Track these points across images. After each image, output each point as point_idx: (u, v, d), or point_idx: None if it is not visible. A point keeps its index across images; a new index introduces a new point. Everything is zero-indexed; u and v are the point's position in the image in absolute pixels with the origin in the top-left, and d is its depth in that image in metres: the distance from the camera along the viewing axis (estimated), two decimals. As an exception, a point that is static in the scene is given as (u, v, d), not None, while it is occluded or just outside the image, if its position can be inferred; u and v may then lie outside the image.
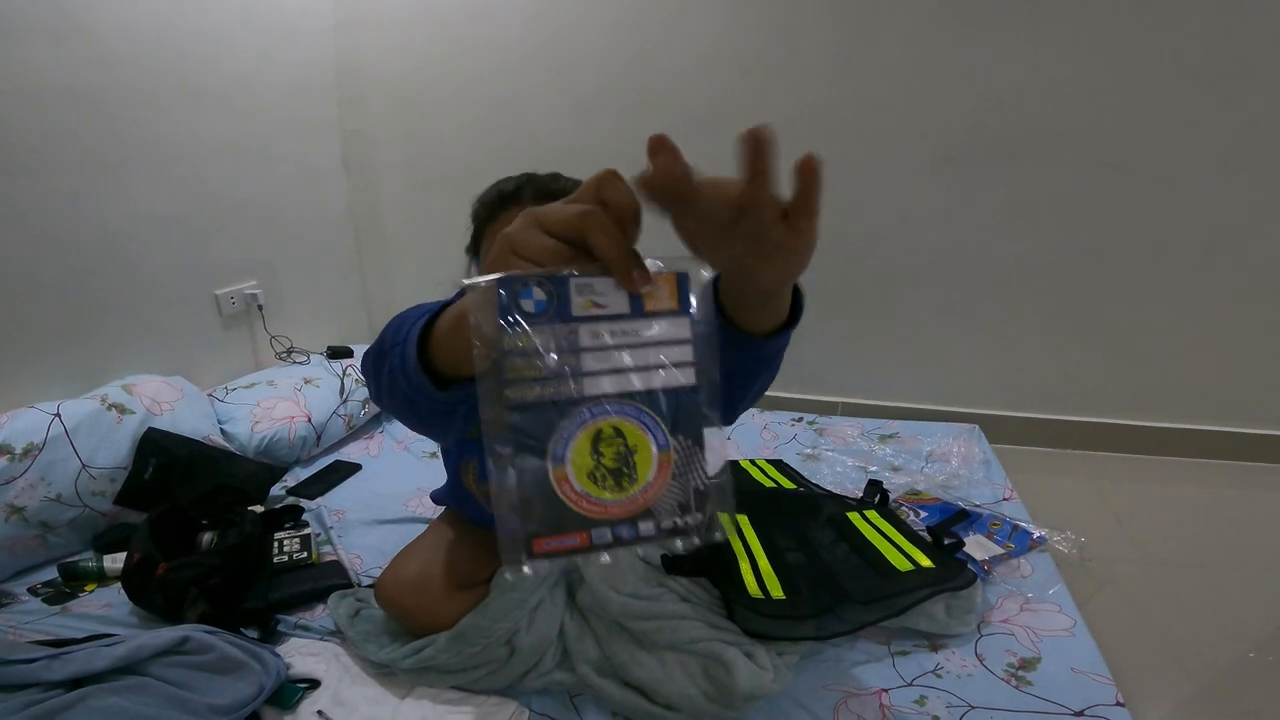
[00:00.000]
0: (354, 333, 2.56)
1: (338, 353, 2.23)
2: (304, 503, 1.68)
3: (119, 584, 1.31)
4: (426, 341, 0.65)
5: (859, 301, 2.20)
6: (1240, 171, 1.80)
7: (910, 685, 1.09)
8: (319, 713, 1.07)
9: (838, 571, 1.19)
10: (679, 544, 0.43)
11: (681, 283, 0.44)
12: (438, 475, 1.37)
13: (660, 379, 0.43)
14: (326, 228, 2.45)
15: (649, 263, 0.43)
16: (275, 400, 1.92)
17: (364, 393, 2.07)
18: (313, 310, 2.39)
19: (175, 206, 1.92)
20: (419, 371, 0.64)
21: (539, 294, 0.41)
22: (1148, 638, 1.33)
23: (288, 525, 1.54)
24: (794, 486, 1.51)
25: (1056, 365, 2.10)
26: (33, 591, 1.38)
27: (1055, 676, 1.09)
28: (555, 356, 0.40)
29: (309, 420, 1.91)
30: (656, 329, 0.43)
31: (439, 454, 1.33)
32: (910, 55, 1.93)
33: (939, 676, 1.10)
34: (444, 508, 1.36)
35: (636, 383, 0.42)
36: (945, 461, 1.79)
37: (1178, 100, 1.79)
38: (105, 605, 1.34)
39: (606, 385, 0.41)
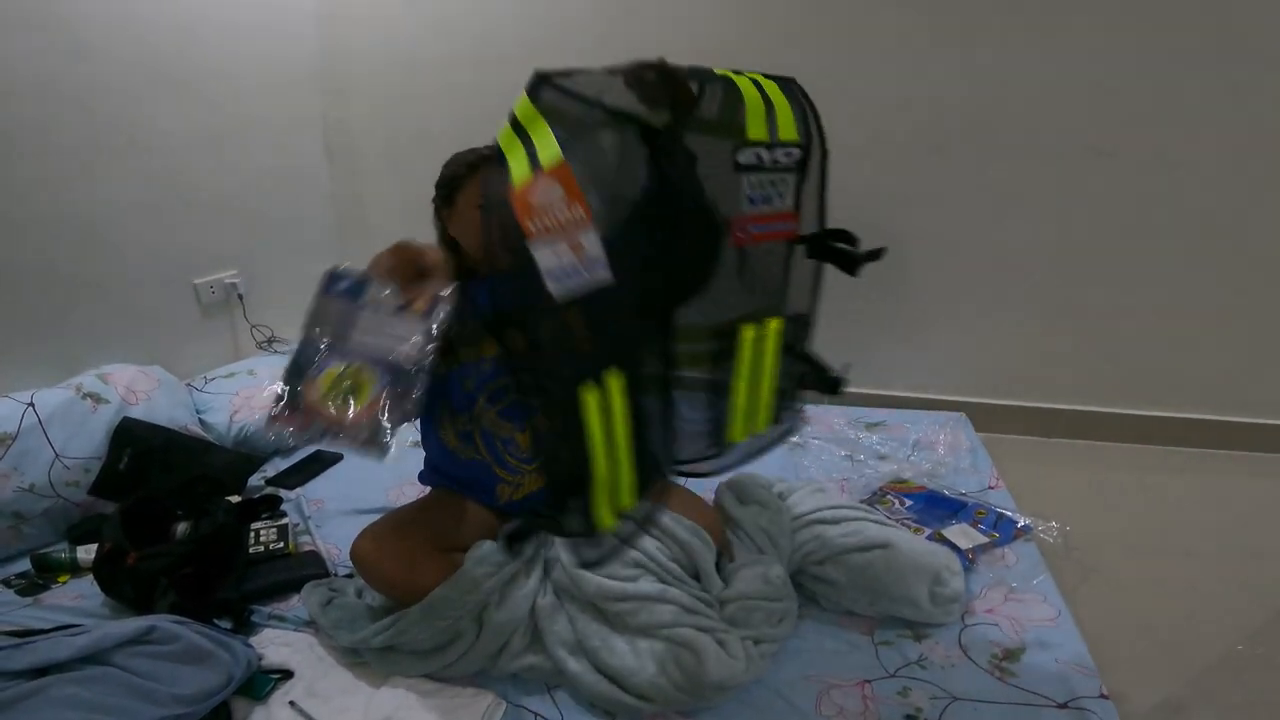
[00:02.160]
0: (338, 323, 2.53)
1: (320, 342, 2.21)
2: (283, 493, 1.66)
3: (91, 575, 1.30)
4: None
5: (845, 289, 2.18)
6: (1229, 159, 1.79)
7: (893, 676, 1.08)
8: (291, 703, 1.05)
9: (679, 428, 0.97)
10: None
11: (437, 305, 0.74)
12: (418, 464, 1.36)
13: (391, 347, 0.75)
14: (308, 217, 2.43)
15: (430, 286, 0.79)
16: (255, 390, 1.89)
17: (346, 382, 2.05)
18: (294, 299, 2.31)
19: (154, 195, 1.89)
20: None
21: (344, 283, 0.76)
22: (1133, 628, 1.32)
23: (265, 515, 1.52)
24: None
25: (1043, 353, 2.09)
26: (5, 583, 1.37)
27: (1039, 667, 1.08)
28: (340, 320, 0.73)
29: (290, 410, 1.89)
30: (408, 318, 0.74)
31: (419, 442, 1.33)
32: (895, 41, 1.91)
33: (922, 667, 1.09)
34: (429, 488, 1.36)
35: (380, 346, 0.75)
36: (932, 450, 1.78)
37: (1167, 86, 1.77)
38: (78, 596, 1.32)
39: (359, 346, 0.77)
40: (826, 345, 2.23)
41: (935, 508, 1.46)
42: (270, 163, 2.23)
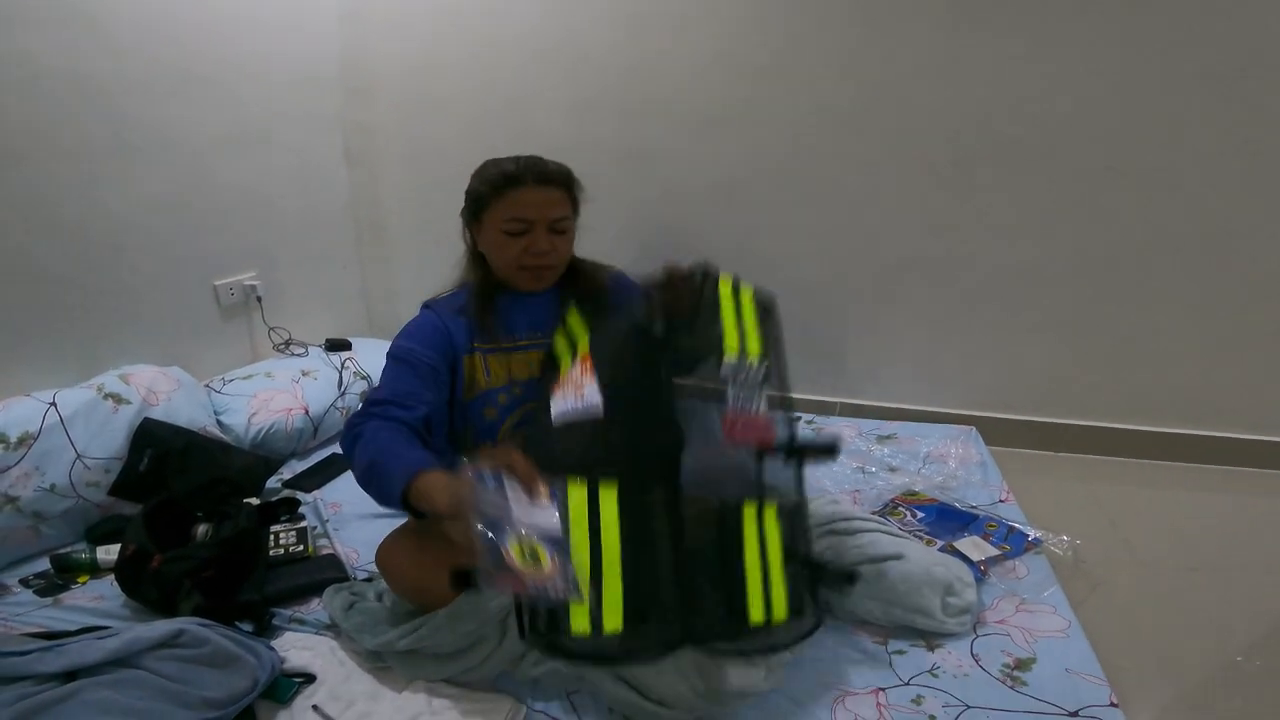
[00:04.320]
0: (353, 325, 2.55)
1: (336, 345, 2.22)
2: (300, 495, 1.67)
3: (111, 576, 1.31)
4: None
5: (858, 302, 2.21)
6: (1239, 177, 1.81)
7: (907, 684, 1.10)
8: (314, 707, 1.07)
9: (698, 596, 1.00)
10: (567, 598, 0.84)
11: (554, 490, 0.91)
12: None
13: (545, 525, 0.86)
14: (327, 220, 2.44)
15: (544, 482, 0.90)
16: (273, 392, 1.91)
17: (361, 385, 2.07)
18: (311, 302, 2.38)
19: (176, 196, 1.90)
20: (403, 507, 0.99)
21: (490, 480, 0.88)
22: (1140, 639, 1.33)
23: (284, 518, 1.54)
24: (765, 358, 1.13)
25: (1053, 368, 2.10)
26: (24, 583, 1.38)
27: (1050, 677, 1.10)
28: (497, 505, 0.85)
29: (306, 412, 1.90)
30: (541, 504, 0.88)
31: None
32: (913, 60, 1.92)
33: (935, 676, 1.11)
34: None
35: (535, 524, 0.85)
36: (943, 463, 1.79)
37: (1178, 105, 1.79)
38: (97, 597, 1.33)
39: (522, 522, 0.85)
40: (838, 359, 2.27)
41: (947, 520, 1.48)
42: (290, 164, 2.25)
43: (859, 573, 1.07)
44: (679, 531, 1.00)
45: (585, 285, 1.29)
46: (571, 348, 1.16)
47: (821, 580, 1.04)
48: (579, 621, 0.87)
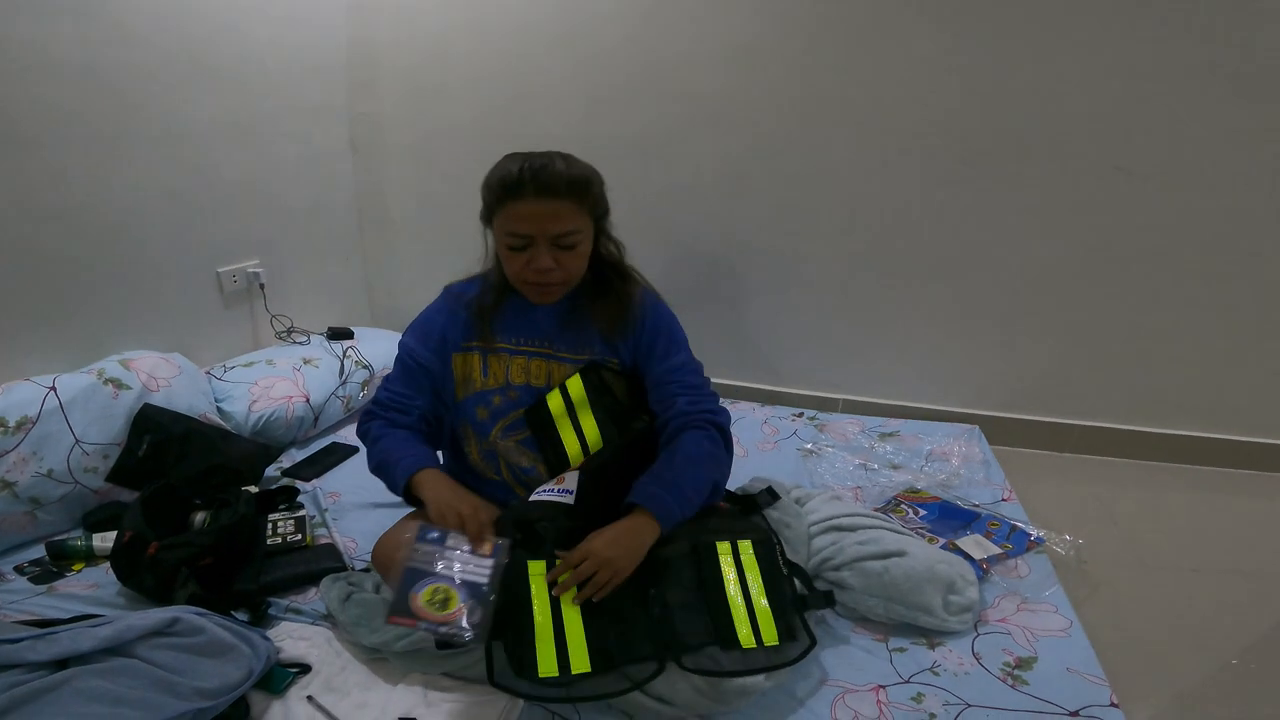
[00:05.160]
0: (355, 314, 2.55)
1: (338, 334, 2.21)
2: (299, 484, 1.67)
3: (107, 564, 1.30)
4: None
5: (863, 298, 2.19)
6: (1250, 180, 1.79)
7: (908, 682, 1.09)
8: (309, 698, 1.06)
9: (678, 624, 1.01)
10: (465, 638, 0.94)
11: (496, 549, 1.02)
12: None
13: (471, 574, 0.99)
14: (331, 209, 2.44)
15: (491, 538, 1.03)
16: (274, 380, 1.90)
17: (363, 374, 2.07)
18: (314, 291, 2.38)
19: (181, 183, 1.90)
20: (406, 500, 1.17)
21: (434, 533, 1.02)
22: (1141, 640, 1.33)
23: (282, 507, 1.53)
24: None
25: (1057, 368, 2.09)
26: (19, 570, 1.37)
27: (1051, 676, 1.09)
28: (427, 556, 1.00)
29: (307, 401, 1.90)
30: (481, 557, 1.01)
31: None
32: (924, 56, 1.90)
33: (936, 674, 1.10)
34: None
35: (462, 575, 0.99)
36: (945, 461, 1.78)
37: (1190, 106, 1.77)
38: (92, 585, 1.32)
39: (444, 573, 0.99)
40: (842, 355, 2.26)
41: (949, 518, 1.47)
42: (295, 153, 2.24)
43: (834, 595, 1.18)
44: (650, 575, 1.05)
45: (612, 304, 1.22)
46: (574, 426, 1.22)
47: (806, 607, 1.10)
48: (546, 665, 0.94)
